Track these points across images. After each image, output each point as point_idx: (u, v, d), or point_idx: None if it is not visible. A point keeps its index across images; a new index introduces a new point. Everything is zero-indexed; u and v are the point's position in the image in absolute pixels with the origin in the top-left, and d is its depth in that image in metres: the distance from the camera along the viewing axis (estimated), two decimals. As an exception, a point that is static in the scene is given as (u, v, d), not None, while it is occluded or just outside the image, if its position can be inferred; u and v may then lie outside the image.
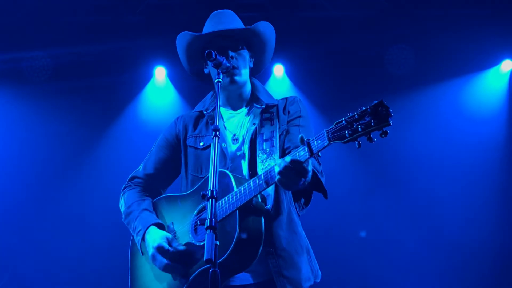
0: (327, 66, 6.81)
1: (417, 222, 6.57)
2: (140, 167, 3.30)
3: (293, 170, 2.45)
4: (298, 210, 3.01)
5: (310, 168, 2.50)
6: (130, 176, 3.31)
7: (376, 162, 6.71)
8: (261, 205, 2.73)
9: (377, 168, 6.78)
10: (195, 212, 2.91)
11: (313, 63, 6.79)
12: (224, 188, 2.70)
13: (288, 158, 2.45)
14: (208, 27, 3.16)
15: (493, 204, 6.66)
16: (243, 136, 3.07)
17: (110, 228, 5.73)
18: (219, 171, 2.66)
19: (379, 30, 6.66)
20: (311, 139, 2.43)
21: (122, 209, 3.20)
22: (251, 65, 3.22)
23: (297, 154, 2.45)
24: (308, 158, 2.43)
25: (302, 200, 3.01)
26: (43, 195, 6.61)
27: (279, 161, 2.51)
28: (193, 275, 2.78)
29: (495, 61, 6.85)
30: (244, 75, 3.13)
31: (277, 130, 2.99)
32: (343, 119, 2.33)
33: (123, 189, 3.29)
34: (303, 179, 2.49)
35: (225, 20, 3.17)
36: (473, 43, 6.55)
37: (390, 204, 6.61)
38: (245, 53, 3.15)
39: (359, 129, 2.28)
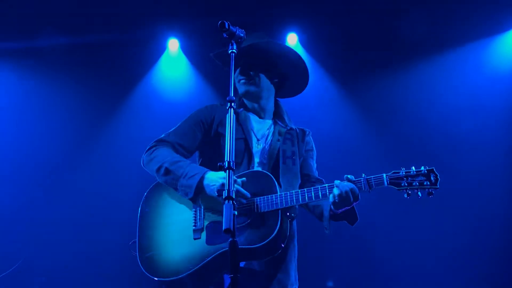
0: (341, 33, 6.73)
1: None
2: (170, 134, 3.34)
3: (350, 197, 2.93)
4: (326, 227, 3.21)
5: (360, 198, 2.98)
6: (159, 138, 3.34)
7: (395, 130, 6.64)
8: (295, 213, 3.16)
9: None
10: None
11: (326, 30, 6.72)
12: (266, 186, 3.06)
13: (350, 185, 2.94)
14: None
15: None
16: (268, 146, 3.36)
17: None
18: (261, 172, 3.13)
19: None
20: (370, 177, 2.96)
21: (160, 159, 3.20)
22: (275, 80, 3.48)
23: (357, 185, 2.95)
24: (365, 190, 2.96)
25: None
26: (57, 171, 6.63)
27: (339, 183, 2.95)
28: (220, 250, 2.96)
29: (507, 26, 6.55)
30: (257, 87, 3.39)
31: (297, 152, 3.43)
32: (401, 171, 2.94)
33: (153, 146, 3.30)
34: (352, 204, 2.98)
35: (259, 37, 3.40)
36: (482, 7, 6.34)
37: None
38: (263, 70, 3.41)
39: (414, 184, 2.92)
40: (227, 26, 2.79)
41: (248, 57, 3.38)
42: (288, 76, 3.52)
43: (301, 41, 6.89)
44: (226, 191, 2.36)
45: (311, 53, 6.90)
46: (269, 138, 3.39)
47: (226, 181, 2.52)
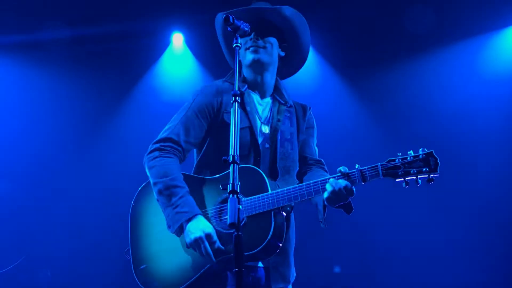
0: (344, 27, 6.72)
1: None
2: (175, 130, 3.10)
3: (344, 193, 2.75)
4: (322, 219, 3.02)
5: (355, 191, 2.79)
6: (164, 136, 3.10)
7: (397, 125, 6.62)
8: (288, 211, 2.98)
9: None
10: (219, 200, 2.95)
11: (330, 24, 6.67)
12: (256, 185, 2.87)
13: (343, 183, 2.75)
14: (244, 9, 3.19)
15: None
16: (269, 129, 3.17)
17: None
18: (251, 168, 2.93)
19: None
20: (364, 168, 2.74)
21: (160, 174, 2.99)
22: (282, 54, 3.26)
23: (349, 179, 2.76)
24: (359, 183, 2.76)
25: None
26: (59, 167, 6.61)
27: (332, 180, 2.77)
28: (220, 257, 2.85)
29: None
30: (269, 56, 3.16)
31: (296, 134, 3.25)
32: (397, 159, 2.71)
33: (157, 150, 3.07)
34: (348, 199, 2.82)
35: (259, 5, 3.20)
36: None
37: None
38: (274, 40, 3.19)
39: (411, 172, 2.68)
40: (231, 20, 2.76)
41: (257, 22, 3.14)
42: (293, 49, 3.31)
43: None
44: (230, 185, 2.35)
45: (314, 45, 6.87)
46: (271, 119, 3.20)
47: (205, 236, 2.75)
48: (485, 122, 6.43)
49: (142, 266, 3.04)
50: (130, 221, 3.16)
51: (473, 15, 6.44)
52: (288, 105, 3.26)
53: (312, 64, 6.82)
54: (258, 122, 3.15)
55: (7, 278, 6.14)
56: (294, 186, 2.85)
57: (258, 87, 3.23)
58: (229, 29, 2.87)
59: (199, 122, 3.11)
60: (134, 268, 3.06)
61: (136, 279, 3.03)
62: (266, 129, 3.17)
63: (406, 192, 2.97)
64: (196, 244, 2.83)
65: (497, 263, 6.14)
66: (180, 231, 2.90)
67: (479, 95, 6.52)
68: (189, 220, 2.86)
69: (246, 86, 3.17)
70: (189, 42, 6.93)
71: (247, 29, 2.89)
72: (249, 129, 3.08)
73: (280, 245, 2.85)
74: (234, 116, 2.56)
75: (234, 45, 2.82)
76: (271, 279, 3.00)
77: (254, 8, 3.17)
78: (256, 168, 2.94)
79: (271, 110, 3.23)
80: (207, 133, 3.15)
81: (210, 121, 3.13)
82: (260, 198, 2.83)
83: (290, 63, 3.37)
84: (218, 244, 2.84)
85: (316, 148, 3.39)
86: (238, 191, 2.35)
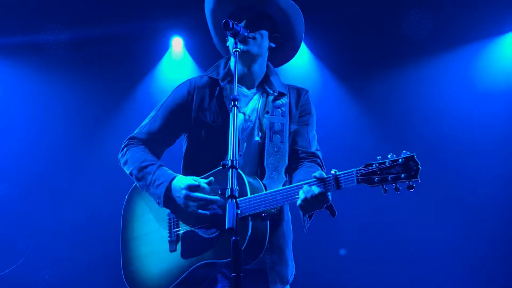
0: (342, 32, 6.72)
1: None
2: (144, 129, 3.16)
3: (318, 200, 2.59)
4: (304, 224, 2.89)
5: (331, 198, 2.64)
6: (132, 135, 3.17)
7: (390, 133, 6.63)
8: (273, 213, 2.84)
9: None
10: None
11: (328, 29, 6.68)
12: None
13: (316, 190, 2.57)
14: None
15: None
16: (256, 121, 3.06)
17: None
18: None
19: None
20: (340, 174, 2.54)
21: (131, 163, 3.06)
22: (272, 45, 3.15)
23: (324, 186, 2.57)
24: (333, 191, 2.57)
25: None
26: (57, 168, 6.60)
27: (305, 188, 2.60)
28: (197, 264, 2.83)
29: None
30: (259, 47, 3.05)
31: (287, 125, 3.07)
32: (374, 164, 2.47)
33: (125, 146, 3.15)
34: (323, 207, 2.66)
35: None
36: (488, 4, 6.31)
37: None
38: (265, 27, 3.08)
39: (389, 178, 2.43)
40: (231, 25, 2.77)
41: (247, 10, 3.04)
42: (286, 40, 3.19)
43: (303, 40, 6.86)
44: (229, 189, 2.33)
45: (313, 51, 6.87)
46: (259, 111, 3.08)
47: (191, 191, 2.71)
48: (481, 126, 6.45)
49: (131, 268, 3.05)
50: (121, 223, 3.18)
51: (470, 21, 6.45)
52: (276, 93, 3.11)
53: (308, 66, 6.85)
54: (241, 116, 3.04)
55: (7, 278, 6.14)
56: (271, 191, 2.75)
57: (245, 78, 3.12)
58: (228, 34, 2.89)
59: (167, 121, 3.13)
60: (123, 270, 3.07)
61: (125, 281, 3.04)
62: (251, 123, 3.06)
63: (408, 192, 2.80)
64: (187, 203, 2.82)
65: (488, 266, 6.16)
66: (168, 202, 2.90)
67: (475, 100, 6.54)
68: (169, 186, 2.88)
69: (229, 78, 3.11)
70: (189, 47, 6.86)
71: (246, 33, 2.91)
72: (227, 125, 2.96)
73: (263, 249, 2.76)
74: (233, 121, 2.55)
75: (234, 49, 2.83)
76: (269, 280, 2.92)
77: None
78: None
79: (259, 101, 3.12)
80: (179, 130, 3.16)
81: (181, 119, 3.11)
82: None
83: (281, 53, 3.26)
84: (204, 187, 2.82)
85: (314, 137, 3.18)
86: (237, 195, 2.33)
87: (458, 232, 6.22)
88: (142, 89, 6.89)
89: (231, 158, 2.43)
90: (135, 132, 3.18)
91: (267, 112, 3.07)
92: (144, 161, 3.02)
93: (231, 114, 2.59)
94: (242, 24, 2.97)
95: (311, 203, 2.60)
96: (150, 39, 6.76)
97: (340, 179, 2.54)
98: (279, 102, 3.11)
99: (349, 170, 2.54)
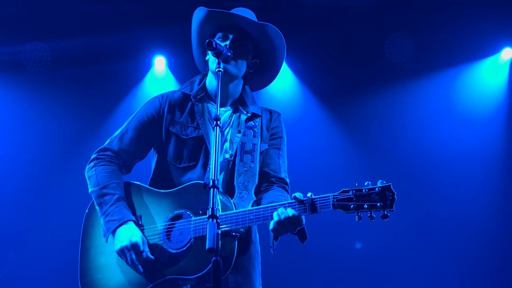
0: (325, 55, 6.77)
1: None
2: (115, 140, 3.12)
3: (292, 223, 2.61)
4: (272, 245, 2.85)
5: (304, 221, 2.66)
6: (102, 147, 3.13)
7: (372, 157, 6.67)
8: (242, 232, 2.82)
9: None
10: (170, 216, 2.90)
11: (312, 52, 6.75)
12: (206, 204, 2.49)
13: (291, 212, 2.59)
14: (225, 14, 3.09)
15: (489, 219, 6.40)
16: (227, 138, 3.06)
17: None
18: (199, 183, 2.81)
19: (376, 19, 6.62)
20: (316, 198, 2.58)
21: (93, 184, 3.03)
22: (250, 70, 3.16)
23: (300, 208, 2.61)
24: (309, 214, 2.60)
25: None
26: (39, 189, 6.56)
27: (281, 210, 2.62)
28: (159, 280, 2.80)
29: (494, 50, 6.60)
30: (238, 70, 3.05)
31: (259, 145, 3.07)
32: (351, 190, 2.52)
33: (94, 160, 3.10)
34: (296, 230, 2.66)
35: (243, 13, 3.10)
36: (469, 30, 6.41)
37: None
38: (248, 51, 3.09)
39: (364, 206, 2.48)
40: (214, 45, 2.77)
41: (231, 30, 3.04)
42: (264, 64, 3.18)
43: (287, 62, 6.89)
44: (210, 209, 2.30)
45: (298, 74, 6.91)
46: (230, 129, 3.08)
47: (134, 251, 2.71)
48: (461, 151, 6.53)
49: (88, 278, 2.98)
50: (82, 230, 3.12)
51: (450, 46, 6.55)
52: (250, 114, 3.12)
53: (291, 88, 6.89)
54: (212, 132, 2.95)
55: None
56: (244, 210, 2.75)
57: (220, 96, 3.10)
58: (212, 53, 2.89)
59: (139, 133, 3.11)
60: (80, 279, 3.00)
61: None
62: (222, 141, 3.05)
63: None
64: (122, 253, 2.81)
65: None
66: (112, 240, 2.88)
67: (455, 124, 6.65)
68: (117, 228, 2.85)
69: (203, 94, 3.13)
70: (172, 66, 6.85)
71: (229, 54, 2.91)
72: (201, 138, 3.02)
73: (229, 268, 2.72)
74: (216, 140, 2.53)
75: (216, 69, 2.82)
76: None
77: (237, 16, 3.04)
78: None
79: (230, 119, 3.12)
80: (150, 143, 3.14)
81: (152, 131, 3.10)
82: (206, 220, 2.62)
83: (259, 78, 3.29)
84: (147, 253, 2.81)
85: (284, 163, 3.17)
86: (218, 215, 2.30)
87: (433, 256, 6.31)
88: (124, 108, 6.81)
89: (212, 178, 2.40)
90: (106, 143, 3.14)
91: (239, 132, 3.08)
92: (105, 187, 2.98)
93: (212, 133, 2.58)
94: (227, 42, 2.98)
95: (284, 225, 2.62)
96: (133, 58, 6.74)
97: (316, 203, 2.58)
98: (251, 123, 3.12)
99: (325, 195, 2.57)
